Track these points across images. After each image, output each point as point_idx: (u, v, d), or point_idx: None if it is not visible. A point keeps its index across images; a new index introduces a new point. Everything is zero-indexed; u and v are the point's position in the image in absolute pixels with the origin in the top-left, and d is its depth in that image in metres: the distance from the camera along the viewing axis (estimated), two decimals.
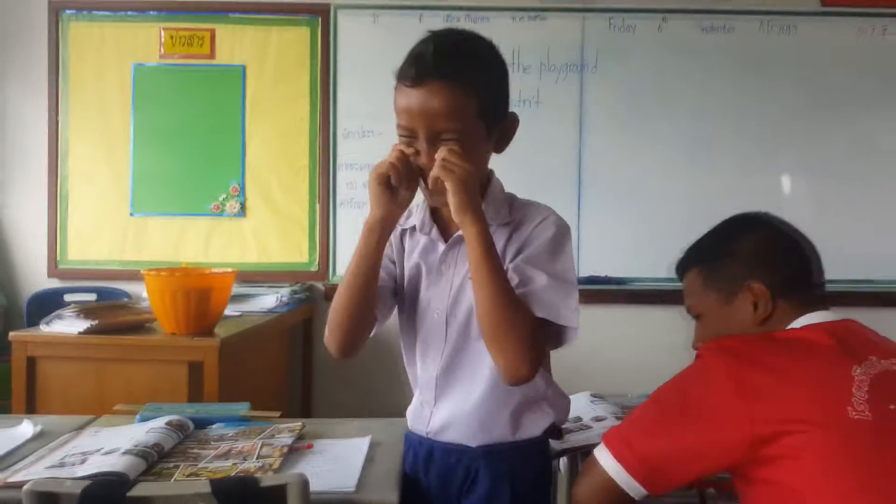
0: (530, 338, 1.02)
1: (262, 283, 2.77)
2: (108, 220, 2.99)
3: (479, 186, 1.10)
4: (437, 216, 1.18)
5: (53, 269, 2.99)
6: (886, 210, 3.11)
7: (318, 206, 2.99)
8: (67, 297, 2.75)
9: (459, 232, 1.09)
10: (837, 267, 3.03)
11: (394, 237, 1.20)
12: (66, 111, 3.00)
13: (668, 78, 3.08)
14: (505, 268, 1.07)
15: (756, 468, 0.94)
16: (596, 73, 3.09)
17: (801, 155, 3.10)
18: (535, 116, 3.04)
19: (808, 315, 1.05)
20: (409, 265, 1.20)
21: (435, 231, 1.17)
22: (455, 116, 1.03)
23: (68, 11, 3.01)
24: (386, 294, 1.19)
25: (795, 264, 1.11)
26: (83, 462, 1.21)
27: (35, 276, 2.99)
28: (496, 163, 1.19)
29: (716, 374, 0.98)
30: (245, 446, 1.28)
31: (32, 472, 1.19)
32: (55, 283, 2.97)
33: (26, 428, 1.41)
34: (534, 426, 1.17)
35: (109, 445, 1.27)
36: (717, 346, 1.03)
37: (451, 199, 1.01)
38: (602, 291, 2.92)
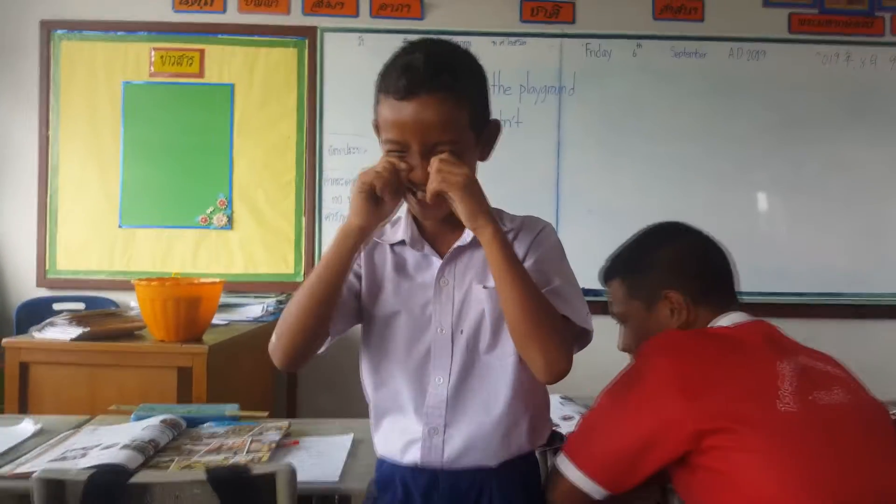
0: (564, 332, 1.01)
1: (249, 294, 2.87)
2: (97, 231, 3.08)
3: None
4: (423, 231, 1.13)
5: (42, 279, 3.07)
6: (851, 225, 3.27)
7: (304, 220, 3.11)
8: (56, 307, 2.83)
9: (455, 245, 1.09)
10: (805, 280, 3.26)
11: (363, 251, 1.13)
12: (56, 126, 3.10)
13: (643, 100, 3.23)
14: None
15: (697, 457, 1.04)
16: (573, 95, 3.24)
17: (770, 173, 3.27)
18: (516, 136, 3.18)
19: (728, 315, 1.17)
20: (398, 287, 1.12)
21: (428, 247, 1.12)
22: (450, 128, 1.01)
23: (60, 31, 3.12)
24: (344, 310, 1.11)
25: (710, 271, 1.23)
26: (84, 456, 1.31)
27: (24, 286, 3.06)
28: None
29: (660, 372, 1.08)
30: (235, 442, 1.39)
31: (37, 465, 1.29)
32: (44, 293, 3.05)
33: (27, 426, 1.51)
34: (544, 433, 1.15)
35: (108, 441, 1.37)
36: (660, 345, 1.14)
37: (460, 208, 0.99)
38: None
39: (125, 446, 1.30)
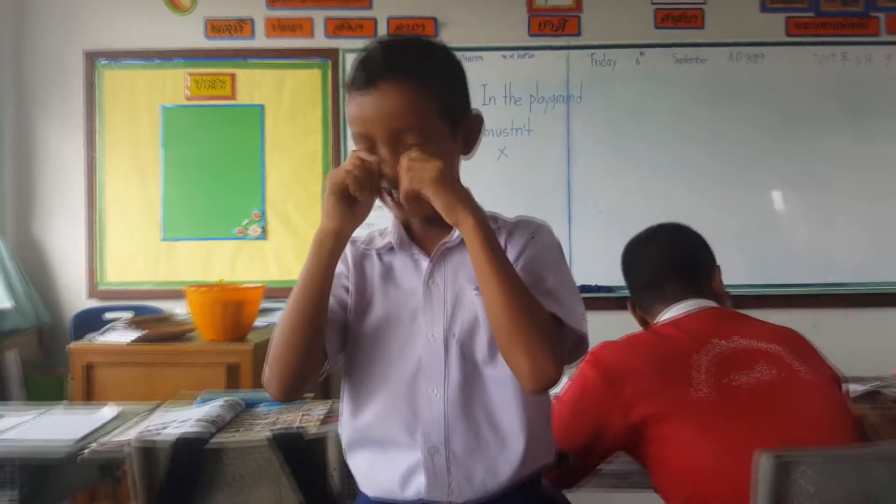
0: (554, 336, 0.94)
1: (284, 299, 3.14)
2: (141, 244, 3.40)
3: None
4: (411, 232, 1.08)
5: (93, 291, 3.39)
6: (852, 217, 3.47)
7: (314, 239, 3.39)
8: (109, 315, 3.14)
9: (442, 242, 1.04)
10: (810, 272, 3.46)
11: (351, 262, 1.08)
12: (101, 148, 3.42)
13: (647, 106, 3.47)
14: None
15: (637, 446, 1.27)
16: (581, 103, 3.50)
17: (771, 171, 3.49)
18: (527, 143, 3.45)
19: (673, 308, 1.39)
20: (385, 295, 1.06)
21: (416, 249, 1.06)
22: (414, 114, 0.96)
23: (102, 61, 3.44)
24: (337, 326, 1.04)
25: (644, 272, 1.46)
26: (164, 430, 1.58)
27: (76, 297, 3.39)
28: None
29: (592, 383, 1.29)
30: (288, 418, 1.66)
31: (126, 437, 1.57)
32: (94, 303, 3.37)
33: (108, 411, 1.79)
34: (552, 449, 1.09)
35: (181, 419, 1.64)
36: (593, 359, 1.32)
37: (436, 203, 0.94)
38: (593, 299, 3.29)
39: (198, 421, 1.57)
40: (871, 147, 3.47)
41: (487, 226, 0.95)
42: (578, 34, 3.49)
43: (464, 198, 0.95)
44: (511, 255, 1.02)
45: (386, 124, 0.97)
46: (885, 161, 3.48)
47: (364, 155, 0.97)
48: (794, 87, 3.48)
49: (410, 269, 1.06)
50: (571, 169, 3.49)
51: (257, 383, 2.38)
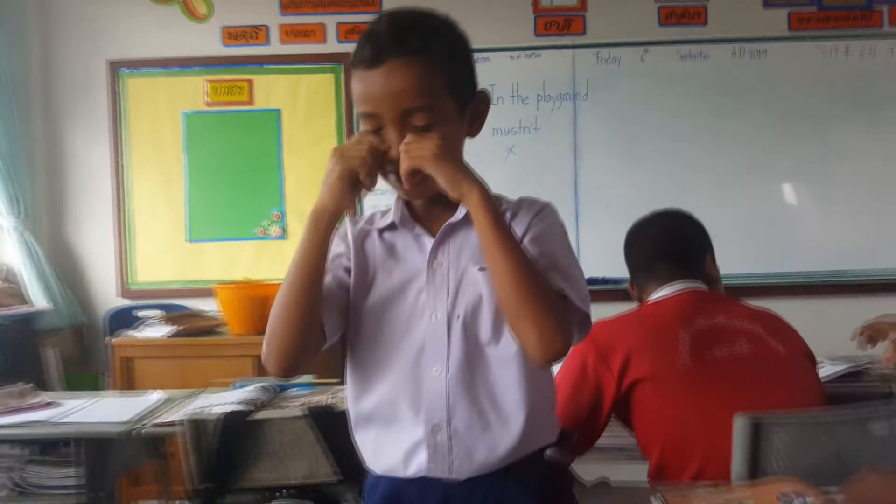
0: (561, 309, 0.96)
1: None
2: (168, 246, 3.66)
3: None
4: (413, 212, 1.09)
5: (123, 291, 3.66)
6: (854, 208, 3.64)
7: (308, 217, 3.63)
8: (140, 314, 3.39)
9: (448, 222, 1.05)
10: (813, 261, 3.63)
11: (351, 241, 1.09)
12: (127, 154, 3.68)
13: (652, 102, 3.67)
14: None
15: (626, 410, 1.49)
16: (587, 100, 3.70)
17: (774, 164, 3.67)
18: (535, 141, 3.66)
19: (663, 289, 1.58)
20: (388, 274, 1.07)
21: (419, 227, 1.07)
22: (423, 93, 0.96)
23: (125, 69, 3.69)
24: (335, 303, 1.04)
25: (641, 254, 1.65)
26: (209, 409, 1.82)
27: (107, 297, 3.65)
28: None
29: (587, 359, 1.49)
30: (319, 399, 1.89)
31: (174, 417, 1.81)
32: (125, 302, 3.64)
33: (155, 396, 2.04)
34: (555, 428, 1.11)
35: (223, 401, 1.88)
36: (589, 338, 1.42)
37: (439, 179, 0.96)
38: (600, 291, 3.49)
39: (239, 402, 1.81)
40: (874, 139, 3.62)
41: (492, 199, 0.97)
42: (584, 33, 3.69)
43: (466, 172, 0.97)
44: (516, 232, 1.03)
45: (394, 104, 0.96)
46: (887, 152, 3.64)
47: (376, 141, 0.98)
48: (798, 81, 3.64)
49: (413, 248, 1.07)
50: (578, 166, 3.69)
51: None
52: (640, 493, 1.29)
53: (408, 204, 1.08)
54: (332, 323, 1.03)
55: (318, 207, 0.99)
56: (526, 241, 1.03)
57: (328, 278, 1.04)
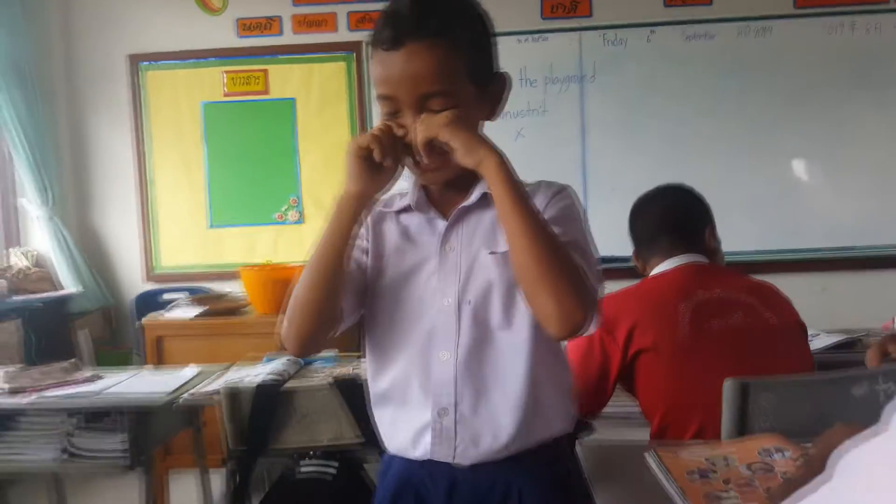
0: (584, 279, 0.93)
1: None
2: (190, 232, 3.86)
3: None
4: (430, 196, 1.09)
5: (149, 275, 3.87)
6: (859, 184, 3.75)
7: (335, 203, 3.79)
8: (165, 297, 3.59)
9: (462, 205, 1.05)
10: (819, 237, 3.74)
11: (370, 223, 1.10)
12: (149, 144, 3.87)
13: (658, 83, 3.79)
14: None
15: (630, 378, 1.63)
16: (594, 82, 3.83)
17: (780, 142, 3.78)
18: (543, 124, 3.79)
19: (666, 262, 1.71)
20: (401, 256, 1.08)
21: (434, 211, 1.08)
22: (443, 78, 0.95)
23: (144, 62, 3.88)
24: (353, 286, 1.06)
25: (644, 228, 1.77)
26: (243, 380, 2.00)
27: (134, 281, 3.87)
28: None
29: (593, 334, 1.59)
30: (342, 370, 2.07)
31: (210, 389, 1.99)
32: (150, 286, 3.85)
33: (190, 370, 2.23)
34: (568, 418, 1.09)
35: (254, 373, 2.06)
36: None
37: (455, 147, 0.94)
38: (609, 269, 3.63)
39: (268, 374, 1.99)
40: (880, 115, 3.72)
41: (510, 166, 0.95)
42: (590, 15, 3.80)
43: (483, 140, 0.96)
44: None
45: (413, 88, 0.95)
46: (892, 129, 3.73)
47: (392, 123, 0.98)
48: (803, 59, 3.72)
49: (427, 231, 1.07)
50: (586, 147, 3.82)
51: None
52: (635, 450, 1.44)
53: (425, 189, 1.09)
54: (349, 304, 1.05)
55: (341, 191, 1.01)
56: (547, 218, 1.00)
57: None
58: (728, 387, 1.47)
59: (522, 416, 1.01)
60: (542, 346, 1.02)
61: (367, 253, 1.09)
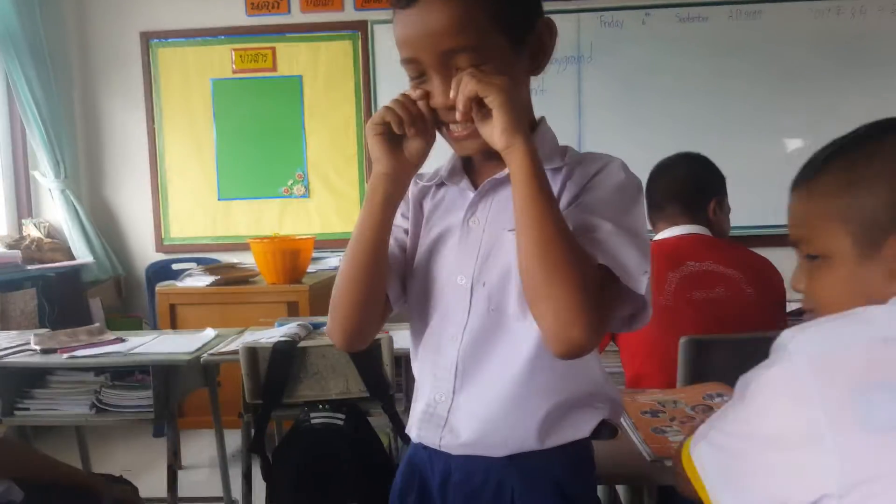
0: (593, 289, 0.82)
1: (327, 249, 3.80)
2: (200, 204, 4.05)
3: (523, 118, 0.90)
4: (470, 166, 1.02)
5: (160, 246, 4.07)
6: None
7: (367, 185, 4.00)
8: (175, 266, 3.81)
9: (493, 177, 0.96)
10: None
11: (411, 201, 1.05)
12: (160, 119, 4.05)
13: (653, 64, 3.96)
14: None
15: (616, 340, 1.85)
16: (591, 63, 4.00)
17: (768, 122, 3.95)
18: (541, 103, 3.72)
19: (669, 229, 1.85)
20: (429, 229, 1.03)
21: (466, 181, 1.00)
22: (465, 30, 0.86)
23: (156, 40, 4.04)
24: (399, 270, 1.02)
25: (654, 194, 1.86)
26: (259, 341, 2.23)
27: (146, 252, 4.07)
28: None
29: None
30: None
31: (229, 349, 2.22)
32: (162, 256, 4.05)
33: (209, 332, 2.45)
34: (576, 426, 0.98)
35: (268, 336, 2.28)
36: None
37: (498, 118, 0.84)
38: None
39: (282, 336, 2.21)
40: (865, 95, 3.86)
41: (538, 159, 0.85)
42: None
43: (520, 122, 0.85)
44: (570, 193, 0.94)
45: (433, 46, 0.87)
46: (878, 108, 3.84)
47: (409, 92, 0.91)
48: (792, 41, 3.89)
49: (457, 203, 1.01)
50: (583, 125, 4.02)
51: (314, 315, 3.03)
52: None
53: (466, 158, 1.01)
54: (395, 290, 1.01)
55: (372, 174, 0.96)
56: (578, 203, 0.92)
57: (390, 242, 1.00)
58: (684, 343, 1.65)
59: (518, 417, 0.94)
60: None
61: (408, 232, 1.04)
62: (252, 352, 2.05)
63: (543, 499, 0.95)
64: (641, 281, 0.86)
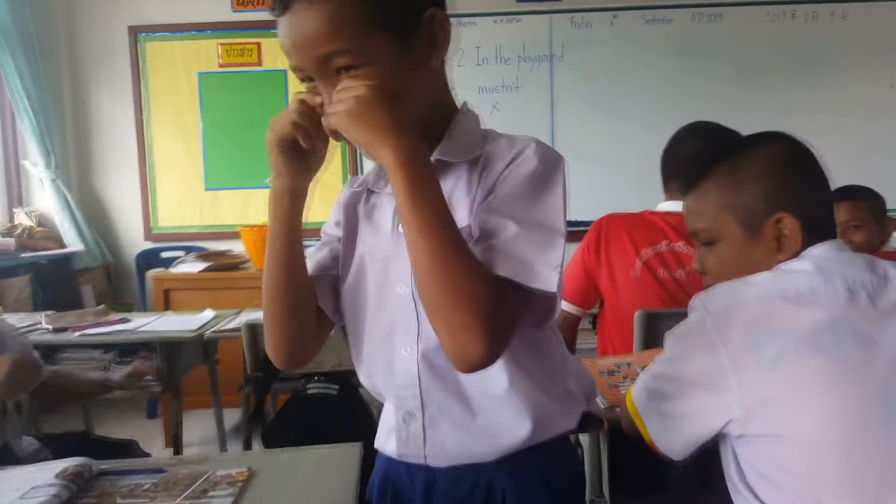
0: (489, 306, 0.78)
1: (311, 238, 3.99)
2: (187, 194, 4.23)
3: (429, 113, 0.92)
4: None
5: (148, 234, 4.25)
6: None
7: (349, 177, 4.21)
8: (164, 255, 4.00)
9: None
10: None
11: (343, 207, 1.02)
12: (148, 112, 4.22)
13: (620, 63, 4.22)
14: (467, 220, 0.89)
15: (603, 295, 2.06)
16: (563, 61, 4.26)
17: (728, 119, 4.18)
18: (516, 99, 4.23)
19: (662, 204, 2.00)
20: (364, 236, 0.99)
21: (389, 187, 0.90)
22: (337, 33, 0.83)
23: (144, 34, 4.20)
24: (333, 285, 0.99)
25: (663, 167, 1.99)
26: (258, 319, 2.45)
27: (134, 240, 4.25)
28: None
29: (589, 241, 1.99)
30: None
31: (229, 327, 2.44)
32: (150, 245, 4.23)
33: (208, 313, 2.66)
34: (559, 421, 0.97)
35: None
36: (597, 223, 1.94)
37: (353, 141, 0.83)
38: (573, 232, 4.10)
39: None
40: (819, 95, 4.19)
41: (414, 166, 0.81)
42: (560, 0, 4.23)
43: (385, 131, 0.81)
44: (484, 188, 0.90)
45: (309, 52, 0.84)
46: (830, 107, 4.22)
47: (307, 97, 0.89)
48: (750, 42, 4.20)
49: (386, 208, 0.97)
50: (555, 120, 4.28)
51: None
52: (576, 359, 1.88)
53: None
54: (329, 303, 0.98)
55: (272, 188, 0.95)
56: (486, 203, 0.88)
57: (323, 253, 1.00)
58: (639, 316, 1.86)
59: (503, 419, 0.92)
60: (526, 343, 0.90)
61: (340, 240, 1.01)
62: (253, 328, 2.28)
63: (534, 496, 0.95)
64: (550, 278, 0.83)
